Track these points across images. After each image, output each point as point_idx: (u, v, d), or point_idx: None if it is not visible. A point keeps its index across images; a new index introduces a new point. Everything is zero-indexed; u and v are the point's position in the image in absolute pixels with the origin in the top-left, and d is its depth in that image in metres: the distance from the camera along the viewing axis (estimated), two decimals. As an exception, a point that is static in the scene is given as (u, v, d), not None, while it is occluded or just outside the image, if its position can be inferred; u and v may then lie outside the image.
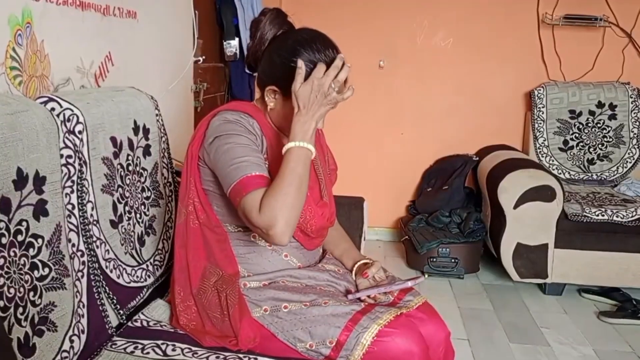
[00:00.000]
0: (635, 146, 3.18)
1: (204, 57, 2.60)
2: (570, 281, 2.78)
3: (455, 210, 3.17)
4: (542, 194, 2.65)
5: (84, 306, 1.26)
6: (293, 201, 1.20)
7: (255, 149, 1.30)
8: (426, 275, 3.01)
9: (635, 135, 3.18)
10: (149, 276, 1.55)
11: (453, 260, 3.01)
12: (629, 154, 3.18)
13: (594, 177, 3.19)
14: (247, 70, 3.04)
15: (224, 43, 2.90)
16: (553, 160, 3.22)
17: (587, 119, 3.22)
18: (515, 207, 2.68)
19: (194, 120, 2.59)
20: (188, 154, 1.40)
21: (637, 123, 3.19)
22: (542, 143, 3.24)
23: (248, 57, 1.44)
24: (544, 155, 3.23)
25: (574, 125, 3.22)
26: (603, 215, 2.65)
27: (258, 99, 1.45)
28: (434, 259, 3.00)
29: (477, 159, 3.24)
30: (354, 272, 1.51)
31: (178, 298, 1.40)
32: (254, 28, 1.41)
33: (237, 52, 2.93)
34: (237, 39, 2.92)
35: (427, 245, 2.98)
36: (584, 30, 3.27)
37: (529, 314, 2.65)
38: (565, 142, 3.22)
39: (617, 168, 3.18)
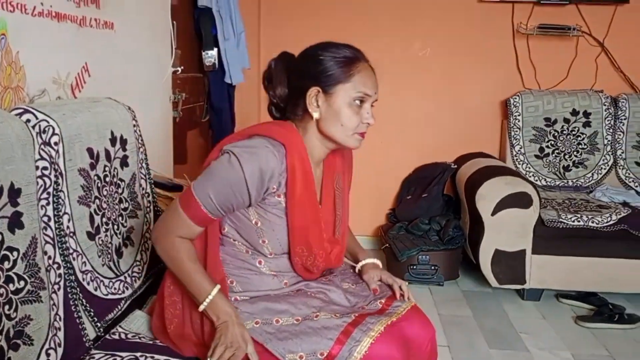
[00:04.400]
0: (609, 153, 3.24)
1: (182, 67, 2.60)
2: (547, 287, 2.82)
3: (434, 218, 3.19)
4: (519, 200, 2.69)
5: (60, 319, 1.24)
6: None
7: (234, 197, 1.28)
8: (407, 283, 3.02)
9: (609, 142, 3.25)
10: (127, 288, 1.54)
11: (433, 268, 3.03)
12: (603, 160, 3.24)
13: (570, 183, 3.24)
14: (226, 80, 3.04)
15: (203, 53, 2.90)
16: (530, 168, 3.27)
17: (562, 127, 3.27)
18: (493, 214, 2.71)
19: (173, 130, 2.59)
20: (211, 157, 1.40)
21: (611, 130, 3.25)
22: (519, 150, 3.29)
23: (273, 104, 1.43)
24: (521, 162, 3.28)
25: (550, 133, 3.28)
26: (579, 221, 2.70)
27: (293, 122, 1.40)
28: (414, 267, 3.02)
29: (456, 166, 3.28)
30: (357, 270, 1.58)
31: (167, 291, 1.40)
32: (267, 81, 1.42)
33: (216, 62, 2.93)
34: (215, 49, 2.93)
35: (407, 252, 3.00)
36: (557, 40, 3.33)
37: (508, 319, 2.68)
38: (541, 150, 3.28)
39: (592, 174, 3.24)
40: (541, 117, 3.28)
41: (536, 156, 3.28)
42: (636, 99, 3.25)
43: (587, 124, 3.26)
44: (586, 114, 3.26)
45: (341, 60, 1.33)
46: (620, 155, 3.25)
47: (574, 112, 3.26)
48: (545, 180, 3.25)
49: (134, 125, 1.68)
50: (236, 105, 3.29)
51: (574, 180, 3.24)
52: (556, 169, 3.26)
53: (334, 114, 1.33)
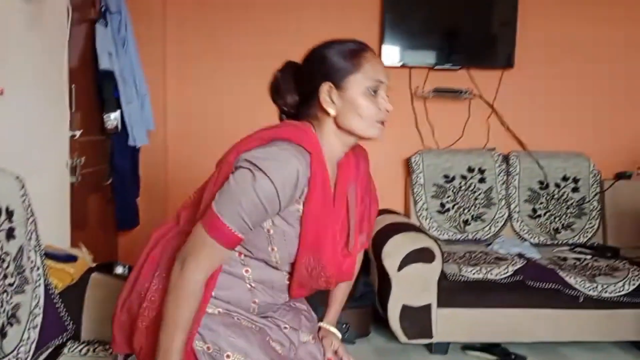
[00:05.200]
0: (504, 207, 3.45)
1: (81, 130, 2.53)
2: (454, 339, 2.89)
3: (344, 276, 3.21)
4: (423, 255, 2.77)
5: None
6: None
7: (266, 213, 1.24)
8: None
9: (503, 197, 3.45)
10: (10, 371, 1.43)
11: (344, 326, 3.02)
12: (499, 214, 3.43)
13: (470, 236, 3.40)
14: (130, 142, 2.98)
15: (105, 116, 2.84)
16: (433, 222, 3.40)
17: (460, 183, 3.45)
18: (399, 269, 2.77)
19: (71, 195, 2.48)
20: (223, 160, 1.32)
21: (504, 185, 3.47)
22: (422, 206, 3.42)
23: (285, 113, 1.41)
24: (424, 217, 3.40)
25: (449, 189, 3.45)
26: (478, 274, 2.82)
27: (306, 123, 1.35)
28: (325, 326, 3.00)
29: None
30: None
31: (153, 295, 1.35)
32: (274, 92, 1.39)
33: (119, 124, 2.88)
34: (118, 111, 2.88)
35: (319, 310, 2.99)
36: (452, 102, 3.56)
37: (417, 375, 2.71)
38: (442, 205, 3.43)
39: (490, 228, 3.41)
40: (441, 174, 3.45)
41: (438, 211, 3.42)
42: (525, 156, 3.50)
43: (482, 180, 3.46)
44: (481, 171, 3.46)
45: (347, 52, 1.31)
46: (514, 208, 3.46)
47: (470, 169, 3.46)
48: (447, 234, 3.39)
49: (23, 195, 1.60)
50: (141, 167, 3.22)
51: (474, 234, 3.40)
52: (457, 223, 3.41)
53: (351, 106, 1.30)
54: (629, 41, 3.61)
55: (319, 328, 1.60)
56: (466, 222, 3.42)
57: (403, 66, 3.49)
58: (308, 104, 1.35)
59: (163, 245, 1.38)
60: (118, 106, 2.88)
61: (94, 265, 2.06)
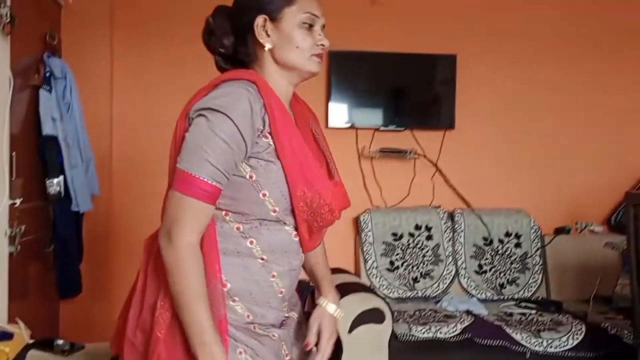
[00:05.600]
0: (451, 263, 3.51)
1: (22, 198, 2.46)
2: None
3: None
4: (373, 316, 2.77)
5: None
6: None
7: (233, 153, 1.19)
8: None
9: (450, 254, 3.52)
10: None
11: (296, 391, 2.97)
12: (446, 270, 3.49)
13: (420, 294, 3.43)
14: (73, 208, 2.91)
15: (47, 181, 2.78)
16: (383, 281, 3.42)
17: (408, 241, 3.51)
18: (350, 331, 2.76)
19: (9, 266, 2.39)
20: (176, 131, 1.27)
21: (451, 242, 3.55)
22: (372, 265, 3.44)
23: (221, 56, 1.37)
24: (374, 276, 3.42)
25: (398, 247, 3.49)
26: (428, 333, 2.83)
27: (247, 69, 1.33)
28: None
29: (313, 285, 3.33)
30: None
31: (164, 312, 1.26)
32: (208, 36, 1.37)
33: (62, 189, 2.82)
34: (61, 177, 2.82)
35: None
36: (398, 161, 3.65)
37: None
38: (392, 263, 3.46)
39: (438, 284, 3.46)
40: (389, 233, 3.50)
41: (388, 269, 3.45)
42: (469, 213, 3.60)
43: (429, 237, 3.53)
44: (428, 228, 3.53)
45: None
46: (461, 265, 3.52)
47: (417, 227, 3.53)
48: (397, 292, 3.41)
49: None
50: (84, 233, 3.14)
51: (423, 291, 3.44)
52: (406, 280, 3.45)
53: (287, 38, 1.29)
54: (565, 100, 3.82)
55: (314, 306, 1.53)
56: (415, 280, 3.45)
57: (349, 127, 3.57)
58: (245, 42, 1.33)
59: (157, 254, 1.28)
60: (61, 171, 2.83)
61: (31, 341, 1.97)
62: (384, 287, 3.40)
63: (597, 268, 3.42)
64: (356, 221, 3.56)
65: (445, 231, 3.55)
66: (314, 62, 1.32)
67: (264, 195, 1.25)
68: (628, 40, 3.84)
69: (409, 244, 3.51)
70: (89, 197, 3.01)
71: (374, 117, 3.63)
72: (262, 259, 1.29)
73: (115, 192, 3.37)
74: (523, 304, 3.31)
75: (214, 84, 1.26)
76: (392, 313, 2.84)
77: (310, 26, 1.31)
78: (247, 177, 1.24)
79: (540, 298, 3.46)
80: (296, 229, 1.33)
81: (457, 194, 3.72)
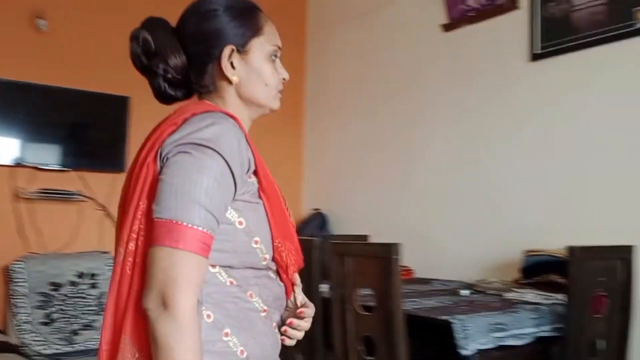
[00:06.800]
0: (118, 311, 3.35)
1: None
2: None
3: None
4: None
5: None
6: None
7: (224, 194, 0.99)
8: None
9: (117, 301, 3.36)
10: None
11: None
12: (113, 319, 3.32)
13: (80, 347, 3.18)
14: None
15: None
16: (37, 337, 3.08)
17: (70, 290, 3.25)
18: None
19: None
20: (136, 167, 1.04)
21: (118, 289, 3.39)
22: (25, 319, 3.08)
23: (167, 81, 1.11)
24: (27, 331, 3.06)
25: (57, 297, 3.20)
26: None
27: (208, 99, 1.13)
28: None
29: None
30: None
31: None
32: (146, 56, 1.10)
33: None
34: None
35: None
36: (63, 204, 3.40)
37: None
38: (48, 315, 3.15)
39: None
40: (47, 282, 3.19)
41: (43, 323, 3.13)
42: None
43: (94, 286, 3.33)
44: (93, 276, 3.33)
45: (245, 10, 1.14)
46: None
47: (81, 275, 3.30)
48: (55, 347, 3.11)
49: None
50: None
51: (84, 344, 3.20)
52: (65, 334, 3.17)
53: (256, 73, 1.14)
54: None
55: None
56: (75, 332, 3.20)
57: (3, 164, 3.20)
58: (201, 71, 1.13)
59: (133, 312, 1.00)
60: None
61: None
62: (39, 343, 3.07)
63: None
64: (5, 271, 3.16)
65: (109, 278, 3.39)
66: (277, 100, 1.20)
67: (257, 242, 1.07)
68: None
69: (70, 294, 3.25)
70: None
71: (35, 154, 3.32)
72: (264, 310, 1.12)
73: None
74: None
75: (184, 118, 1.04)
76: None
77: (275, 56, 1.18)
78: (237, 223, 1.05)
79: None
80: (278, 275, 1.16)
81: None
